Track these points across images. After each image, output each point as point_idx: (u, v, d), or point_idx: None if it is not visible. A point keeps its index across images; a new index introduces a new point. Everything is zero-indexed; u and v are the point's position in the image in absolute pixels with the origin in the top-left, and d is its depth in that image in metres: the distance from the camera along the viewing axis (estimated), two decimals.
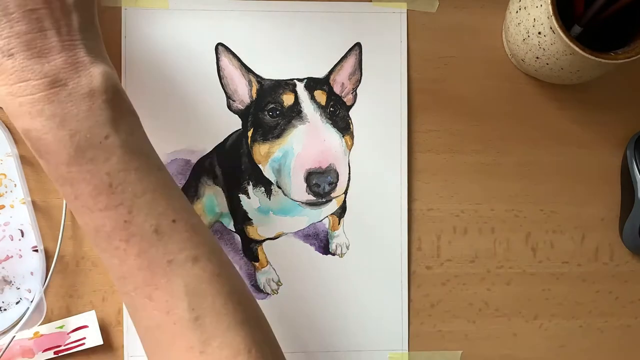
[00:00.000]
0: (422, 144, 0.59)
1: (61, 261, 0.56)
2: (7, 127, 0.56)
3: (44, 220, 0.56)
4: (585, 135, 0.60)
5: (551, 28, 0.51)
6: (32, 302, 0.55)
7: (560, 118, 0.60)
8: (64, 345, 0.55)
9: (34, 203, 0.56)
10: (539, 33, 0.52)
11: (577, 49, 0.50)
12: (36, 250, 0.56)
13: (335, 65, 0.58)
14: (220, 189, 0.58)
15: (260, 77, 0.57)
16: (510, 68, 0.60)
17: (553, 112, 0.60)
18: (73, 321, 0.56)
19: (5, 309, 0.55)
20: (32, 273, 0.56)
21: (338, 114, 0.58)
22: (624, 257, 0.60)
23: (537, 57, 0.54)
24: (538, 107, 0.60)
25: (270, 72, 0.58)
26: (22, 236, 0.56)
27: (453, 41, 0.59)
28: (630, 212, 0.58)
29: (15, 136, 0.56)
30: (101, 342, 0.56)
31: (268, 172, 0.57)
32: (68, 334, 0.55)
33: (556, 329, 0.60)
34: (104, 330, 0.56)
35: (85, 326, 0.56)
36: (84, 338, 0.55)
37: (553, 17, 0.50)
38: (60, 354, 0.55)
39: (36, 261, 0.56)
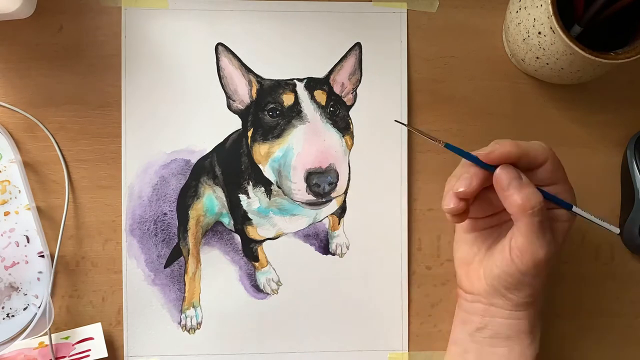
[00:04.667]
0: (422, 144, 0.59)
1: (61, 262, 0.57)
2: (9, 133, 0.56)
3: (47, 224, 0.56)
4: (585, 135, 0.60)
5: (551, 28, 0.51)
6: (39, 307, 0.55)
7: (560, 118, 0.60)
8: (69, 357, 0.55)
9: (38, 208, 0.56)
10: (539, 33, 0.52)
11: (577, 49, 0.50)
12: (42, 256, 0.56)
13: (335, 65, 0.58)
14: (220, 189, 0.58)
15: (260, 77, 0.57)
16: (510, 68, 0.60)
17: (553, 112, 0.60)
18: (79, 332, 0.56)
19: (13, 315, 0.55)
20: (38, 279, 0.56)
21: (338, 114, 0.58)
22: (624, 257, 0.60)
23: (537, 57, 0.54)
24: (538, 107, 0.60)
25: (270, 72, 0.58)
26: (28, 242, 0.56)
27: (453, 41, 0.59)
28: (631, 212, 0.58)
29: (18, 142, 0.56)
30: (106, 355, 0.55)
31: (268, 172, 0.57)
32: (73, 345, 0.55)
33: (556, 329, 0.60)
34: (104, 330, 0.56)
35: (91, 338, 0.55)
36: (89, 350, 0.55)
37: (553, 17, 0.50)
38: None
39: (42, 266, 0.56)
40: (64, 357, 0.55)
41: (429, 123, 0.59)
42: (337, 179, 0.56)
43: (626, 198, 0.59)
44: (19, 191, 0.56)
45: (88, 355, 0.55)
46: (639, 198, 0.57)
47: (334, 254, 0.58)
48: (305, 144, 0.56)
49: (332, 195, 0.56)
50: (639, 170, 0.57)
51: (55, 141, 0.57)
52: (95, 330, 0.55)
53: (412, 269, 0.59)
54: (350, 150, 0.58)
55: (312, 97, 0.57)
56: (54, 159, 0.57)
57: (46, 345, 0.55)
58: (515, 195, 0.45)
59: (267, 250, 0.58)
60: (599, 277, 0.60)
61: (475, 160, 0.47)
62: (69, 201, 0.56)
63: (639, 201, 0.57)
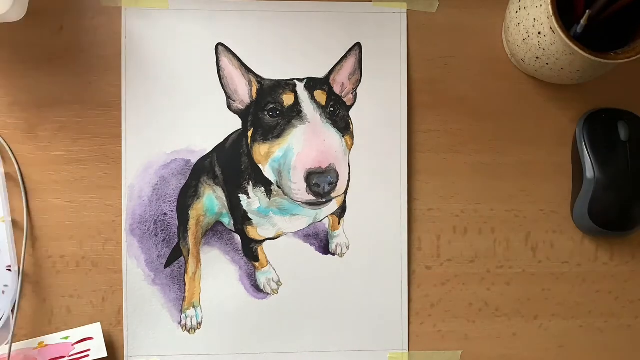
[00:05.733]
0: (422, 144, 0.59)
1: (62, 261, 0.57)
2: None
3: (23, 239, 0.56)
4: None
5: (551, 28, 0.51)
6: (0, 320, 0.55)
7: (560, 118, 0.60)
8: (68, 357, 0.55)
9: (14, 222, 0.56)
10: (539, 33, 0.52)
11: (577, 49, 0.50)
12: (9, 270, 0.55)
13: (335, 65, 0.58)
14: (220, 189, 0.58)
15: (260, 77, 0.57)
16: (510, 68, 0.60)
17: (553, 112, 0.60)
18: (78, 332, 0.56)
19: None
20: (3, 292, 0.55)
21: (338, 114, 0.58)
22: (624, 257, 0.60)
23: (537, 57, 0.54)
24: (538, 107, 0.60)
25: (270, 72, 0.58)
26: None
27: (453, 41, 0.59)
28: (580, 191, 0.58)
29: (2, 154, 0.56)
30: (105, 355, 0.55)
31: (268, 172, 0.57)
32: (73, 345, 0.55)
33: (556, 329, 0.60)
34: (104, 330, 0.56)
35: (90, 338, 0.55)
36: (89, 350, 0.55)
37: (553, 17, 0.50)
38: None
39: (9, 280, 0.55)
40: (64, 357, 0.55)
41: (429, 123, 0.59)
42: (337, 179, 0.56)
43: (576, 178, 0.59)
44: None
45: (87, 355, 0.55)
46: (587, 178, 0.57)
47: (334, 254, 0.58)
48: (305, 144, 0.56)
49: (332, 195, 0.56)
50: (587, 150, 0.57)
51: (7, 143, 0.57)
52: (94, 330, 0.55)
53: (412, 269, 0.59)
54: (350, 150, 0.58)
55: (312, 97, 0.57)
56: (54, 160, 0.57)
57: (46, 346, 0.55)
58: None
59: (267, 250, 0.58)
60: (598, 277, 0.60)
61: None
62: (28, 209, 0.56)
63: (587, 181, 0.57)
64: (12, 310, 0.55)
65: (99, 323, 0.56)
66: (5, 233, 0.55)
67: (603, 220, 0.57)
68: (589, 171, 0.57)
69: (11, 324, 0.54)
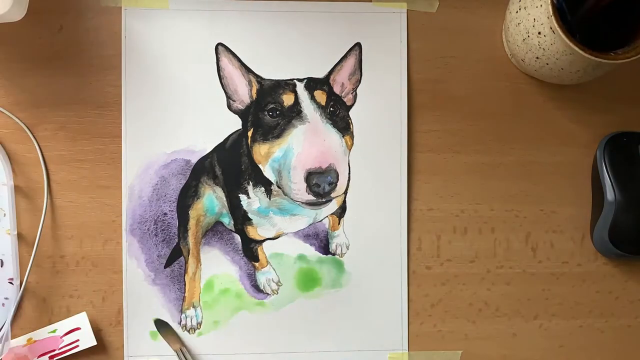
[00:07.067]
0: (422, 144, 0.59)
1: (62, 261, 0.57)
2: (8, 157, 0.56)
3: (28, 253, 0.56)
4: (585, 135, 0.60)
5: (551, 28, 0.51)
6: None
7: (560, 118, 0.60)
8: (58, 349, 0.55)
9: (20, 235, 0.56)
10: (539, 33, 0.52)
11: (577, 49, 0.50)
12: (11, 283, 0.55)
13: (335, 65, 0.58)
14: (220, 189, 0.58)
15: (260, 77, 0.57)
16: (510, 68, 0.60)
17: (553, 112, 0.60)
18: (65, 324, 0.56)
19: None
20: (3, 304, 0.55)
21: (338, 114, 0.58)
22: (624, 257, 0.60)
23: (537, 57, 0.54)
24: (538, 107, 0.60)
25: (270, 72, 0.58)
26: (1, 266, 0.55)
27: (453, 41, 0.59)
28: (600, 215, 0.58)
29: (14, 167, 0.56)
30: (94, 343, 0.56)
31: (268, 172, 0.57)
32: (61, 337, 0.55)
33: (556, 329, 0.60)
34: (104, 330, 0.56)
35: (78, 328, 0.55)
36: (77, 340, 0.55)
37: (553, 17, 0.50)
38: (55, 358, 0.55)
39: (10, 293, 0.55)
40: (53, 350, 0.55)
41: (429, 123, 0.59)
42: (337, 179, 0.56)
43: (596, 201, 0.59)
44: (4, 214, 0.55)
45: (77, 346, 0.55)
46: (607, 201, 0.57)
47: (334, 254, 0.58)
48: (305, 144, 0.56)
49: (332, 195, 0.56)
50: (608, 173, 0.57)
51: (41, 151, 0.57)
52: (80, 320, 0.55)
53: (412, 269, 0.59)
54: (350, 150, 0.58)
55: (312, 97, 0.57)
56: (54, 160, 0.57)
57: (35, 342, 0.55)
58: None
59: (267, 250, 0.58)
60: (598, 277, 0.60)
61: None
62: (42, 228, 0.56)
63: (607, 204, 0.57)
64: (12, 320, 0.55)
65: (84, 312, 0.56)
66: (11, 246, 0.55)
67: (624, 243, 0.57)
68: (610, 194, 0.57)
69: (9, 338, 0.54)
